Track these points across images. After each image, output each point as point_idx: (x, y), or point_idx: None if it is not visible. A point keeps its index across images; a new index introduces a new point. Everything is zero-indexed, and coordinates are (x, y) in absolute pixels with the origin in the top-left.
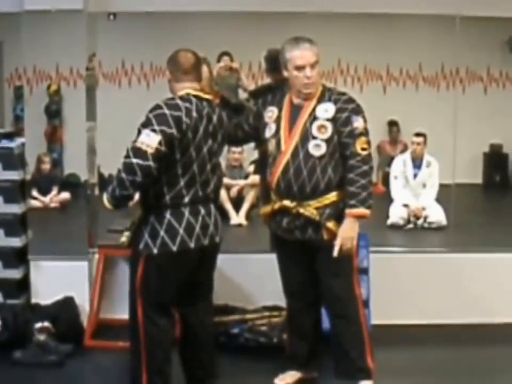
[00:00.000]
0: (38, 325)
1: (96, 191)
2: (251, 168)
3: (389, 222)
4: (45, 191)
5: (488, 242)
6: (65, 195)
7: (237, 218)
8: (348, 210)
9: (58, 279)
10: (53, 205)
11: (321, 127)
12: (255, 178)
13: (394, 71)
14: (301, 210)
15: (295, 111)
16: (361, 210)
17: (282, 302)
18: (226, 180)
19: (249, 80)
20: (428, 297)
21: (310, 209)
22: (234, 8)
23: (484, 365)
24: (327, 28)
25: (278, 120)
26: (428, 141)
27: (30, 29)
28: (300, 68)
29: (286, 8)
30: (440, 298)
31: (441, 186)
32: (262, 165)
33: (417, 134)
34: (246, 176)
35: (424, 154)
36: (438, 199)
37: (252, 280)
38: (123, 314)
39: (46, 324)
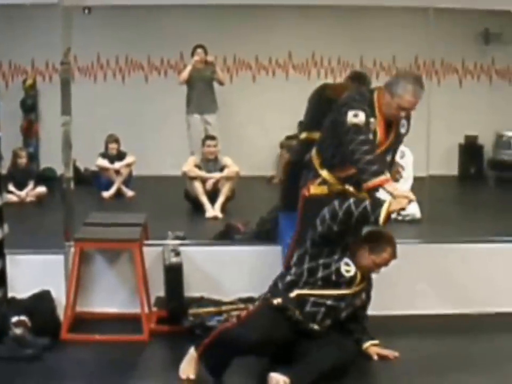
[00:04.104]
0: (15, 318)
1: (72, 185)
2: (227, 160)
3: None
4: (21, 185)
5: (463, 234)
6: (41, 189)
7: (213, 211)
8: None
9: (35, 273)
10: (29, 199)
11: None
12: (231, 171)
13: (368, 62)
14: None
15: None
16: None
17: (256, 294)
18: (201, 173)
19: (224, 73)
20: (402, 289)
21: None
22: (209, 2)
23: (461, 356)
24: (301, 21)
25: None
26: None
27: (4, 23)
28: (403, 108)
29: (260, 1)
30: (415, 289)
31: (416, 178)
32: None
33: None
34: (221, 169)
35: None
36: (413, 192)
37: (227, 272)
38: (99, 307)
39: (23, 317)
